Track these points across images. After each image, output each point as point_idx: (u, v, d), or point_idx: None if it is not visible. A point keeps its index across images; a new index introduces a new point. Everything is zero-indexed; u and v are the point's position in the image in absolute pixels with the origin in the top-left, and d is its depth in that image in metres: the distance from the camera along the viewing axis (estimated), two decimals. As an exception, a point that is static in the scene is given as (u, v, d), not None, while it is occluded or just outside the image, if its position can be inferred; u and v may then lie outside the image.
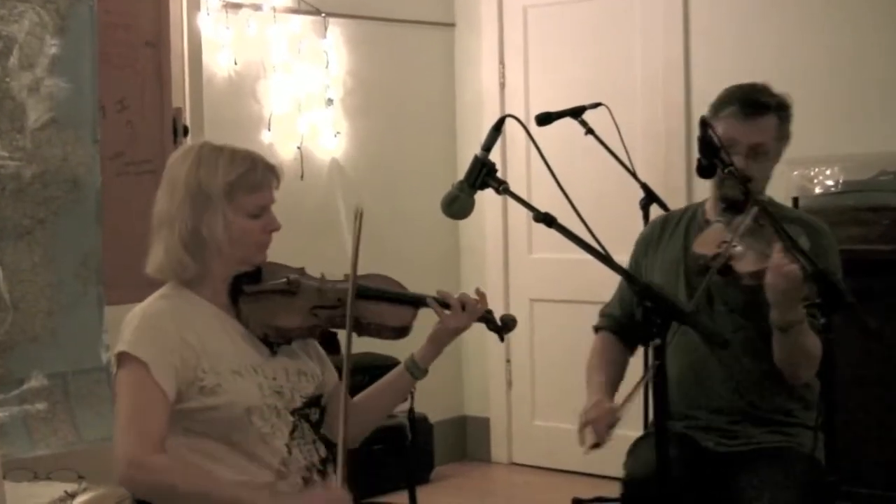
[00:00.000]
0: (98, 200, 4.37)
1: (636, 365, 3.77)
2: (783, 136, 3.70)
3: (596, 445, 3.49)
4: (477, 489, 6.56)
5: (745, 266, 3.39)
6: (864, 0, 5.63)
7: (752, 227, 3.45)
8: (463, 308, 3.21)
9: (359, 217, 3.09)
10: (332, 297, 3.16)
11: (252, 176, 3.03)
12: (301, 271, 3.24)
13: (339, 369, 3.25)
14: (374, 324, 3.17)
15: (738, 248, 3.41)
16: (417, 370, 3.26)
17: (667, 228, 3.89)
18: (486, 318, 3.28)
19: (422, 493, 5.73)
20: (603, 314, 3.99)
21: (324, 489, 3.03)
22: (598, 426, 3.49)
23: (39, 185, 4.22)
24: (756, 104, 3.63)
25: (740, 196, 3.57)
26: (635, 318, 3.85)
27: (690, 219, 3.86)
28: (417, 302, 3.24)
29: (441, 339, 3.25)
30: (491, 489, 6.65)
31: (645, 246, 3.93)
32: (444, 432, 6.73)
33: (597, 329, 3.99)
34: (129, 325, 2.98)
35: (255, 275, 3.15)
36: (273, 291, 3.14)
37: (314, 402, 3.15)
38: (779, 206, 3.80)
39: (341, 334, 3.13)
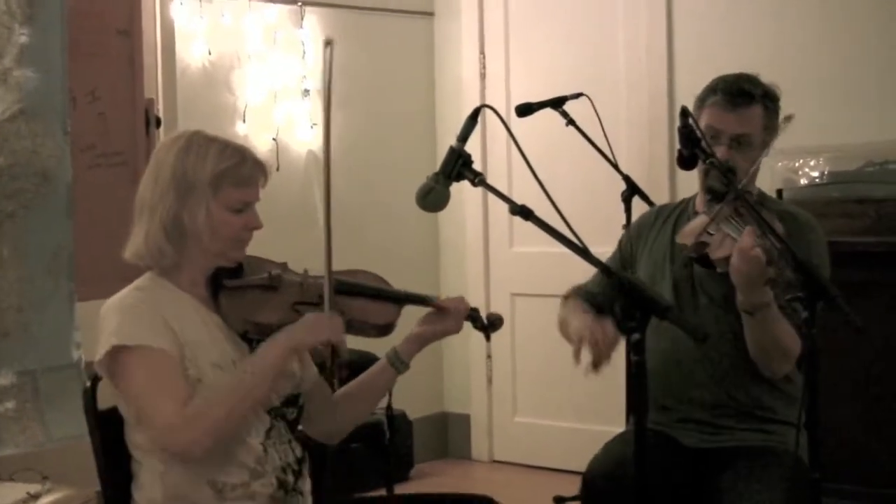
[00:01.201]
0: (69, 193, 4.30)
1: (614, 355, 3.68)
2: (770, 127, 3.65)
3: (595, 367, 3.41)
4: (457, 486, 6.50)
5: (718, 252, 3.38)
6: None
7: (730, 216, 3.41)
8: (451, 312, 3.22)
9: (330, 49, 2.99)
10: (313, 292, 3.09)
11: (240, 170, 2.98)
12: (284, 266, 3.19)
13: (319, 365, 3.23)
14: (357, 320, 3.11)
15: (716, 237, 3.38)
16: (400, 364, 3.24)
17: (659, 218, 3.87)
18: (473, 317, 3.29)
19: (401, 490, 5.69)
20: (576, 287, 3.93)
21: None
22: (598, 344, 3.41)
23: (8, 177, 4.15)
24: (741, 93, 3.60)
25: (724, 188, 3.52)
26: (607, 302, 3.78)
27: (682, 211, 3.84)
28: (402, 299, 3.21)
29: (427, 337, 3.26)
30: (472, 487, 6.59)
31: (639, 229, 3.90)
32: (423, 429, 6.67)
33: (566, 297, 3.91)
34: (111, 319, 2.91)
35: (237, 269, 3.10)
36: (254, 286, 3.09)
37: (292, 401, 3.10)
38: (767, 198, 3.75)
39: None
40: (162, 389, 2.83)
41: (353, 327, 3.09)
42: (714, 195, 3.59)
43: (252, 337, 3.04)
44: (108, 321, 2.91)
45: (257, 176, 3.03)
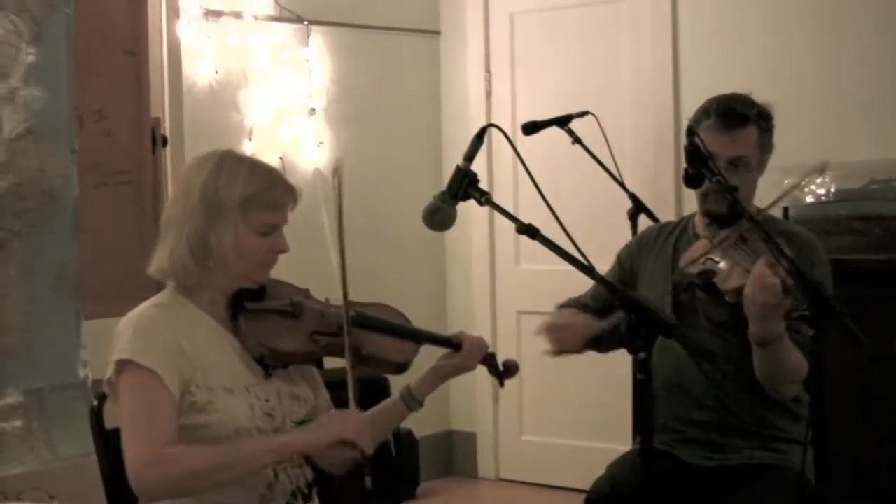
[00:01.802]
0: (75, 212, 4.31)
1: (621, 373, 3.69)
2: (766, 147, 3.64)
3: (554, 353, 3.52)
4: (464, 505, 6.51)
5: (728, 283, 3.36)
6: (855, 8, 5.59)
7: (737, 242, 3.40)
8: (467, 348, 3.21)
9: (338, 173, 2.99)
10: (333, 323, 3.07)
11: (270, 194, 2.97)
12: (306, 293, 3.17)
13: (330, 385, 3.20)
14: (374, 356, 3.08)
15: (722, 265, 3.38)
16: (413, 402, 3.22)
17: (661, 236, 3.85)
18: (489, 362, 3.29)
19: (407, 509, 5.68)
20: (570, 299, 3.94)
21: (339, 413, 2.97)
22: (564, 333, 3.46)
23: (15, 196, 4.16)
24: (734, 116, 3.56)
25: (724, 210, 3.52)
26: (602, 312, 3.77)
27: (682, 231, 3.81)
28: (421, 337, 3.20)
29: (442, 376, 3.24)
30: (478, 505, 6.60)
31: (639, 246, 3.88)
32: (430, 447, 6.65)
33: (561, 306, 3.93)
34: (124, 333, 2.89)
35: (259, 292, 3.07)
36: (275, 311, 3.06)
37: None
38: (768, 217, 3.73)
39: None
40: (149, 420, 2.80)
41: (368, 363, 3.07)
42: (713, 219, 3.58)
43: (268, 363, 3.01)
44: (122, 335, 2.89)
45: (287, 200, 3.02)
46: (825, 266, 3.61)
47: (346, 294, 2.97)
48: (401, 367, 3.14)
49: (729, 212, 3.50)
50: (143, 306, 2.97)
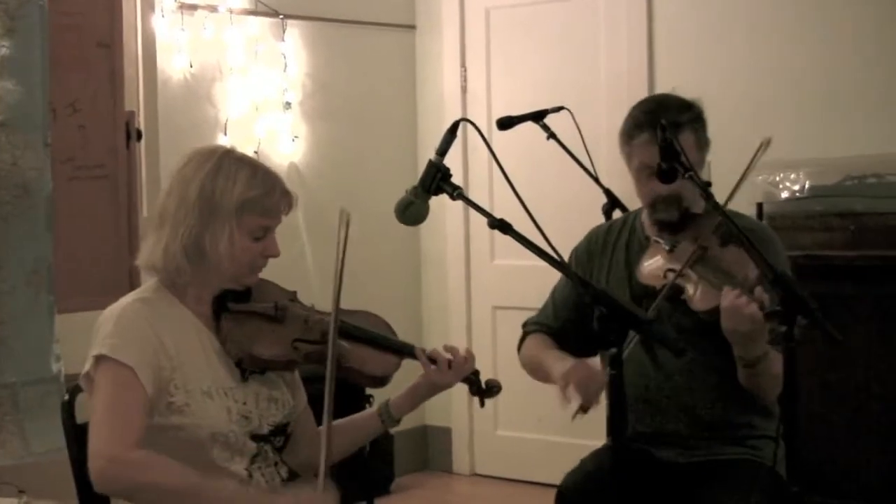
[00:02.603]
0: (49, 206, 4.30)
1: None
2: (702, 145, 3.61)
3: (584, 410, 3.33)
4: (438, 500, 6.50)
5: (701, 304, 3.35)
6: (830, 7, 5.61)
7: (699, 257, 3.39)
8: (450, 366, 3.15)
9: (345, 222, 2.93)
10: (316, 330, 3.04)
11: (268, 199, 2.96)
12: (293, 296, 3.15)
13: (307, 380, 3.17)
14: (354, 369, 3.04)
15: (689, 286, 3.37)
16: (390, 419, 3.22)
17: (609, 242, 3.79)
18: (471, 380, 3.21)
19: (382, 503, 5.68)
20: (532, 322, 3.89)
21: (313, 489, 2.89)
22: (585, 386, 3.32)
23: (-12, 189, 4.13)
24: (668, 125, 3.50)
25: (675, 218, 3.53)
26: (566, 330, 3.77)
27: (630, 233, 3.76)
28: (403, 351, 3.15)
29: (422, 394, 3.22)
30: (453, 501, 6.59)
31: (588, 255, 3.81)
32: (404, 442, 6.65)
33: (526, 333, 3.89)
34: (104, 327, 2.88)
35: (245, 292, 3.06)
36: (258, 314, 3.04)
37: (280, 430, 3.06)
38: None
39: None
40: (121, 416, 2.78)
41: (348, 375, 3.03)
42: (664, 226, 3.57)
43: (246, 367, 2.99)
44: (103, 328, 2.88)
45: (283, 206, 3.01)
46: (785, 257, 3.60)
47: (334, 342, 2.87)
48: (380, 382, 3.11)
49: (680, 218, 3.51)
50: (127, 299, 2.96)
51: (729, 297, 3.22)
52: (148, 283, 3.03)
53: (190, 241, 2.91)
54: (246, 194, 2.92)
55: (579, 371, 3.40)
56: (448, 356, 3.16)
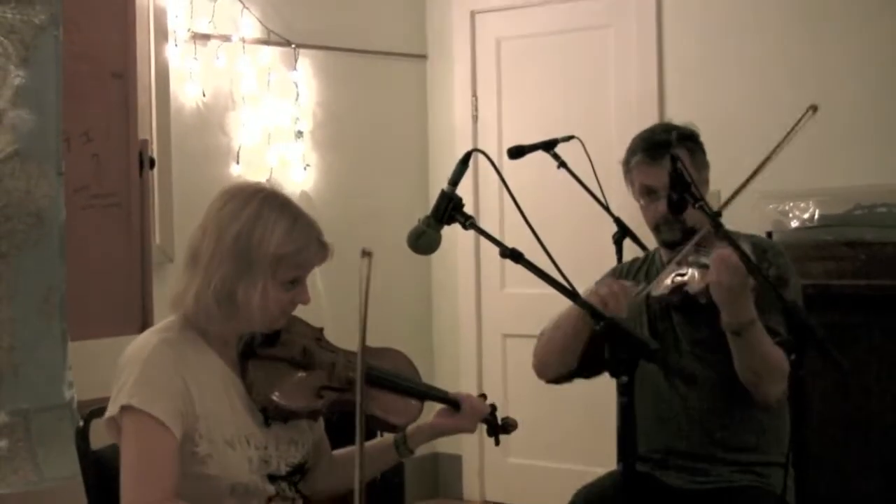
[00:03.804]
0: (62, 234, 4.30)
1: (605, 396, 3.69)
2: (699, 165, 3.65)
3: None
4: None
5: (698, 285, 3.39)
6: (837, 35, 5.63)
7: (696, 250, 3.42)
8: (467, 410, 3.18)
9: (367, 260, 2.86)
10: (343, 377, 3.02)
11: (303, 255, 2.92)
12: (320, 333, 3.14)
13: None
14: (376, 417, 3.02)
15: (687, 274, 3.39)
16: (405, 450, 3.20)
17: (629, 276, 3.85)
18: (487, 421, 3.23)
19: (392, 531, 5.66)
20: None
21: None
22: (615, 295, 3.37)
23: (2, 218, 4.15)
24: (658, 145, 3.59)
25: (679, 237, 3.57)
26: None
27: (650, 264, 3.84)
28: (426, 396, 3.16)
29: (439, 432, 3.22)
30: (463, 527, 6.59)
31: None
32: (415, 469, 6.64)
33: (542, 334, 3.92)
34: (131, 371, 2.82)
35: (273, 333, 3.03)
36: (284, 360, 3.01)
37: (298, 469, 3.05)
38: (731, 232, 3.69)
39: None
40: (150, 473, 2.75)
41: (370, 423, 3.00)
42: (671, 246, 3.60)
43: (270, 416, 2.96)
44: (129, 372, 2.83)
45: (318, 259, 2.98)
46: (792, 268, 3.63)
47: (361, 393, 2.75)
48: (400, 429, 3.12)
49: (684, 237, 3.54)
50: (152, 340, 2.90)
51: (719, 251, 3.28)
52: (172, 319, 2.96)
53: (223, 293, 2.86)
54: (282, 249, 2.87)
55: (610, 283, 3.45)
56: (468, 401, 3.18)
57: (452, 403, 3.17)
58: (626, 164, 3.67)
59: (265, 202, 2.91)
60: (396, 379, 3.11)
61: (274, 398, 2.92)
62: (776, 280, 3.31)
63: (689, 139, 3.62)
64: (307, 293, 2.99)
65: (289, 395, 2.95)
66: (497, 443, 3.30)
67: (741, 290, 3.26)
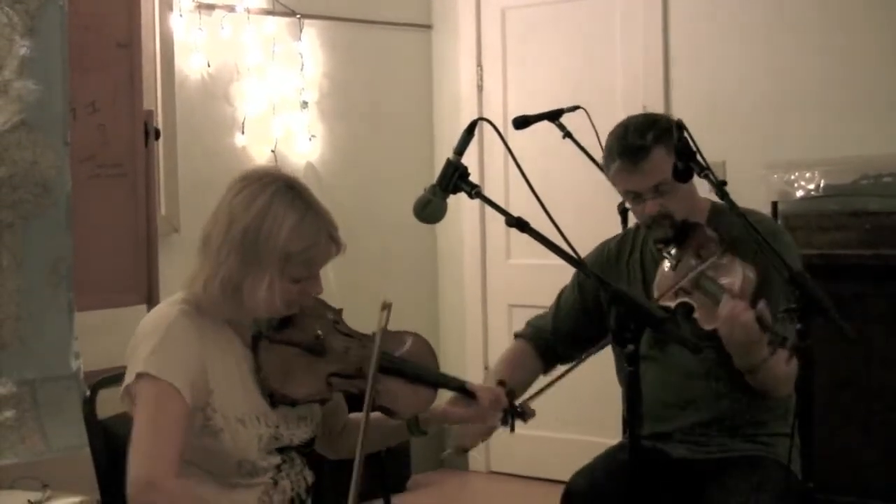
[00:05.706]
0: (68, 204, 4.31)
1: (611, 367, 3.70)
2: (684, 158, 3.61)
3: (463, 450, 3.45)
4: (454, 498, 6.51)
5: (706, 324, 3.36)
6: (847, 6, 5.61)
7: (703, 273, 3.41)
8: (484, 403, 3.13)
9: (387, 311, 2.84)
10: (353, 363, 2.99)
11: (311, 252, 2.88)
12: (338, 315, 3.10)
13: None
14: (387, 407, 2.98)
15: (697, 305, 3.39)
16: (417, 430, 3.16)
17: (621, 258, 3.80)
18: (506, 410, 3.19)
19: (398, 501, 5.70)
20: (529, 324, 3.96)
21: None
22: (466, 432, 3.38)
23: (8, 188, 4.15)
24: (634, 150, 3.51)
25: (671, 234, 3.54)
26: (560, 336, 3.84)
27: (642, 250, 3.77)
28: (440, 384, 3.12)
29: (454, 420, 3.19)
30: (468, 498, 6.60)
31: (602, 271, 3.69)
32: (421, 440, 6.61)
33: (516, 336, 3.95)
34: (150, 340, 2.83)
35: (287, 317, 2.99)
36: (297, 345, 2.98)
37: (308, 443, 3.05)
38: (721, 215, 3.64)
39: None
40: (162, 441, 2.75)
41: (380, 411, 2.98)
42: (665, 243, 3.58)
43: (276, 400, 2.94)
44: (148, 340, 2.84)
45: (329, 255, 2.93)
46: (792, 249, 3.57)
47: (367, 420, 2.80)
48: (410, 419, 3.09)
49: (678, 231, 3.52)
50: (172, 311, 2.89)
51: (727, 307, 3.25)
52: (192, 291, 2.93)
53: (229, 284, 2.85)
54: (290, 246, 2.84)
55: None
56: (486, 393, 3.14)
57: (468, 394, 3.13)
58: (606, 169, 3.60)
59: (276, 195, 2.87)
60: (409, 367, 3.06)
61: (280, 387, 2.91)
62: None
63: (667, 135, 3.49)
64: (320, 285, 2.96)
65: (296, 384, 2.93)
66: (512, 429, 3.24)
67: (753, 346, 3.26)
